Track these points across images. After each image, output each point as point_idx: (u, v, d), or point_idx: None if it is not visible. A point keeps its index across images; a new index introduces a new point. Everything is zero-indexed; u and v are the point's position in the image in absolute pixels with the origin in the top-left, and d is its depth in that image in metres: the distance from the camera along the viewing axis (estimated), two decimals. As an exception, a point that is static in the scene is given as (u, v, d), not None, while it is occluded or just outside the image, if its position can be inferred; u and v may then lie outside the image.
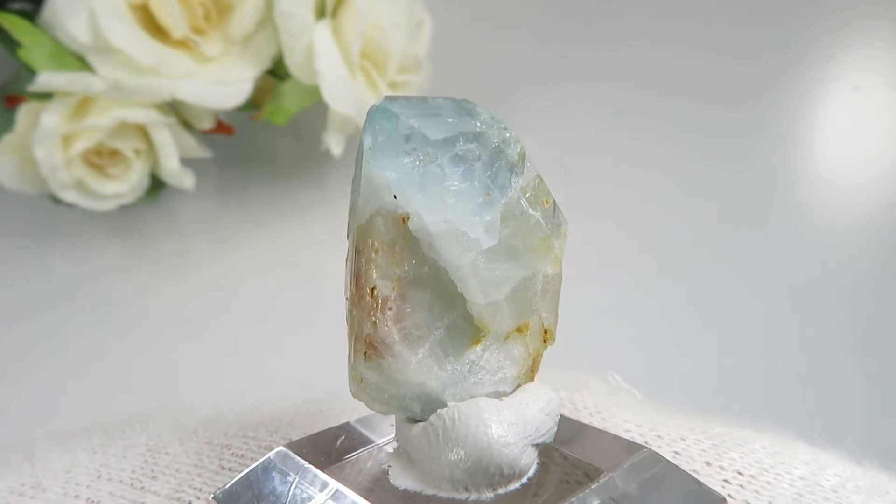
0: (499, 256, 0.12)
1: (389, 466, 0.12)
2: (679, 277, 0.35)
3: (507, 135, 0.12)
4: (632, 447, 0.12)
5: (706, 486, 0.12)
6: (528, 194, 0.12)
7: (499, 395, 0.12)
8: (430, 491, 0.11)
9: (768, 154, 0.39)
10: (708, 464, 0.13)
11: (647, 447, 0.12)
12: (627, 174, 0.38)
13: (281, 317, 0.33)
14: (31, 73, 0.27)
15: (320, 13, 0.30)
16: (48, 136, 0.28)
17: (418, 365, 0.11)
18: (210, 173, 0.36)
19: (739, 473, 0.13)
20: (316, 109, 0.32)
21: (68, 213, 0.33)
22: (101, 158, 0.30)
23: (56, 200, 0.31)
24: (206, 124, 0.32)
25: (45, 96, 0.28)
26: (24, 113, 0.29)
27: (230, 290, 0.34)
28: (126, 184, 0.31)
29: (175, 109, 0.31)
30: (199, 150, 0.32)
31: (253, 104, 0.32)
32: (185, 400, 0.31)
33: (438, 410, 0.12)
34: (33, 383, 0.31)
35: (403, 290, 0.11)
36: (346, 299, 0.12)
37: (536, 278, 0.12)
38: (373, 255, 0.11)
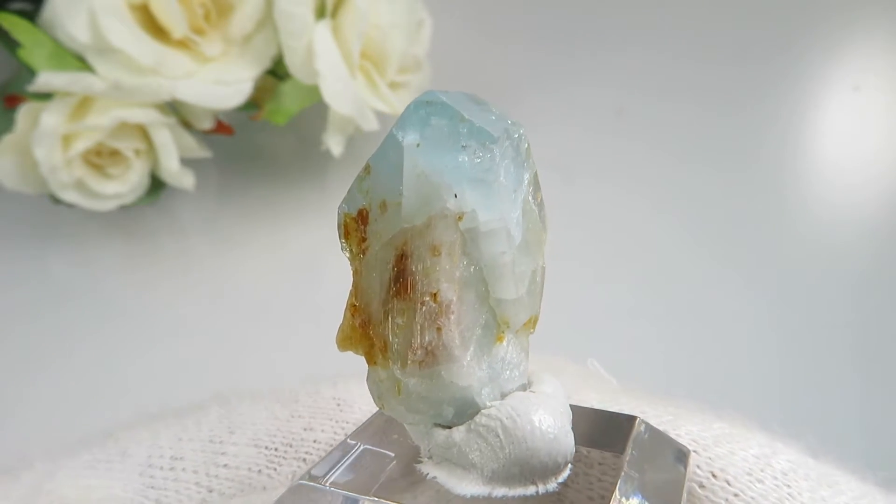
0: (521, 251, 0.12)
1: (435, 478, 0.12)
2: (679, 277, 0.35)
3: (521, 129, 0.12)
4: (629, 420, 0.13)
5: (675, 441, 0.13)
6: (531, 188, 0.12)
7: (523, 388, 0.12)
8: (499, 492, 0.11)
9: (768, 154, 0.39)
10: (665, 432, 0.14)
11: (637, 416, 0.13)
12: (627, 174, 0.38)
13: (281, 316, 0.33)
14: (31, 73, 0.27)
15: (320, 13, 0.30)
16: (48, 136, 0.28)
17: (468, 367, 0.11)
18: (210, 173, 0.36)
19: (695, 441, 0.14)
20: (316, 109, 0.32)
21: (68, 213, 0.33)
22: (101, 158, 0.30)
23: (56, 200, 0.31)
24: (206, 124, 0.32)
25: (45, 96, 0.28)
26: (24, 113, 0.29)
27: (230, 289, 0.34)
28: (126, 184, 0.31)
29: (175, 109, 0.31)
30: (199, 150, 0.32)
31: (253, 104, 0.32)
32: (185, 400, 0.31)
33: (487, 411, 0.11)
34: (33, 383, 0.31)
35: (460, 293, 0.11)
36: (355, 309, 0.12)
37: (539, 271, 0.12)
38: (435, 258, 0.11)
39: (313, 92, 0.30)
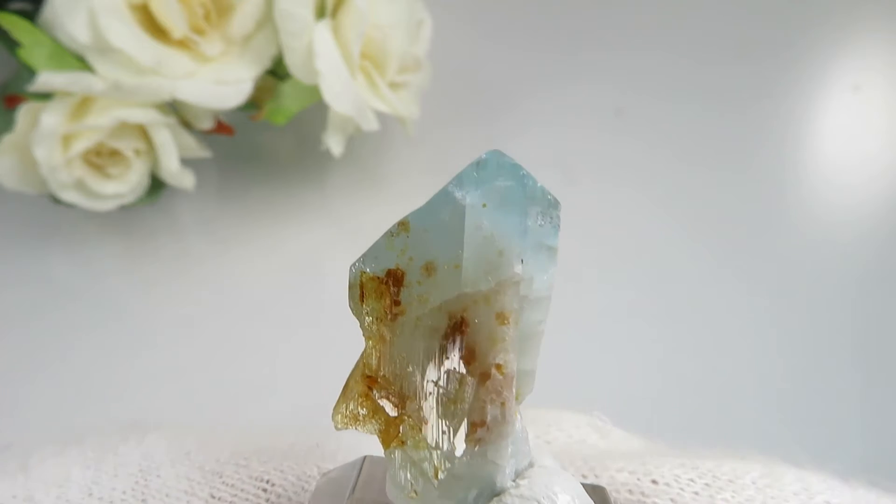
0: None
1: None
2: (679, 276, 0.35)
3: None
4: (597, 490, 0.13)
5: None
6: None
7: (531, 464, 0.12)
8: None
9: (768, 154, 0.39)
10: None
11: (605, 487, 0.13)
12: (627, 174, 0.38)
13: (281, 316, 0.33)
14: (31, 73, 0.27)
15: (320, 13, 0.30)
16: (48, 136, 0.28)
17: (510, 445, 0.11)
18: (210, 173, 0.36)
19: None
20: (316, 109, 0.32)
21: (68, 213, 0.33)
22: (101, 158, 0.30)
23: (56, 200, 0.31)
24: (206, 124, 0.32)
25: (45, 96, 0.28)
26: (23, 113, 0.29)
27: (230, 290, 0.34)
28: (126, 184, 0.31)
29: (175, 109, 0.31)
30: (199, 150, 0.32)
31: (253, 104, 0.32)
32: (185, 400, 0.31)
33: (517, 491, 0.11)
34: (33, 383, 0.31)
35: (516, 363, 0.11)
36: (373, 381, 0.11)
37: None
38: (503, 326, 0.10)
39: (313, 92, 0.30)
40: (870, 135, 0.41)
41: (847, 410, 0.33)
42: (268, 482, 0.15)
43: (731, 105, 0.40)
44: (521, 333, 0.11)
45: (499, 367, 0.10)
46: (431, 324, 0.11)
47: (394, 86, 0.33)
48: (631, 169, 0.38)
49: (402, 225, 0.11)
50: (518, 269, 0.10)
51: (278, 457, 0.15)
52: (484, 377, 0.10)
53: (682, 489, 0.14)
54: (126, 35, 0.28)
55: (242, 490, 0.15)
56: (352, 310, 0.11)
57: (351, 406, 0.11)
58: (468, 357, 0.10)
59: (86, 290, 0.34)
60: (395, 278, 0.11)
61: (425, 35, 0.34)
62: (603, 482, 0.14)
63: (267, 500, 0.15)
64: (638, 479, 0.14)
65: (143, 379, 0.32)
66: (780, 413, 0.32)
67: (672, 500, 0.14)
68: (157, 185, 0.33)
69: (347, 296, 0.11)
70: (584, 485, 0.12)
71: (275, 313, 0.33)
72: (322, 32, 0.29)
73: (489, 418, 0.10)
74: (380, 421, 0.11)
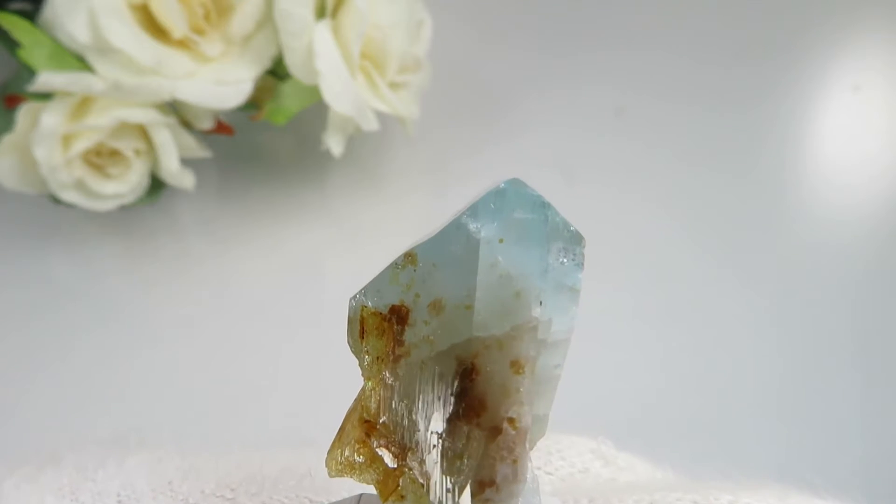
0: None
1: None
2: (679, 277, 0.35)
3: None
4: None
5: None
6: None
7: None
8: None
9: (768, 153, 0.39)
10: None
11: None
12: (627, 174, 0.38)
13: (281, 316, 0.33)
14: (30, 73, 0.27)
15: (320, 13, 0.30)
16: (48, 136, 0.28)
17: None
18: (210, 173, 0.36)
19: None
20: (316, 109, 0.32)
21: (68, 213, 0.33)
22: (101, 158, 0.30)
23: (56, 200, 0.31)
24: (206, 124, 0.32)
25: (45, 96, 0.28)
26: (24, 113, 0.29)
27: (230, 290, 0.34)
28: (126, 184, 0.31)
29: (175, 109, 0.31)
30: (199, 150, 0.32)
31: (253, 104, 0.32)
32: (185, 400, 0.31)
33: None
34: (33, 383, 0.31)
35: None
36: (371, 427, 0.10)
37: None
38: (518, 376, 0.09)
39: (313, 92, 0.30)
40: (870, 135, 0.41)
41: (848, 411, 0.33)
42: None
43: (731, 105, 0.40)
44: (536, 378, 0.10)
45: (511, 421, 0.09)
46: (438, 369, 0.10)
47: (394, 86, 0.33)
48: (631, 169, 0.38)
49: (409, 257, 0.10)
50: (536, 312, 0.09)
51: (268, 488, 0.14)
52: (495, 432, 0.09)
53: None
54: (126, 35, 0.28)
55: None
56: (350, 347, 0.10)
57: (346, 452, 0.10)
58: (478, 409, 0.09)
59: (86, 290, 0.34)
60: (398, 316, 0.10)
61: (425, 35, 0.34)
62: None
63: None
64: None
65: (143, 379, 0.32)
66: (781, 413, 0.32)
67: None
68: (157, 185, 0.33)
69: (346, 331, 0.10)
70: None
71: (275, 313, 0.33)
72: (322, 32, 0.29)
73: (499, 478, 0.09)
74: (378, 471, 0.10)
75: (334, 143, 0.32)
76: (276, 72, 0.32)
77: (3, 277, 0.33)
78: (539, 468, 0.16)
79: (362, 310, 0.10)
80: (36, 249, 0.34)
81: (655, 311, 0.34)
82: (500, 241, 0.09)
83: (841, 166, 0.40)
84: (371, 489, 0.11)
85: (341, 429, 0.10)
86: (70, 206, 0.31)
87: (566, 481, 0.16)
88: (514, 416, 0.09)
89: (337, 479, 0.14)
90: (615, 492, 0.14)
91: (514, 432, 0.09)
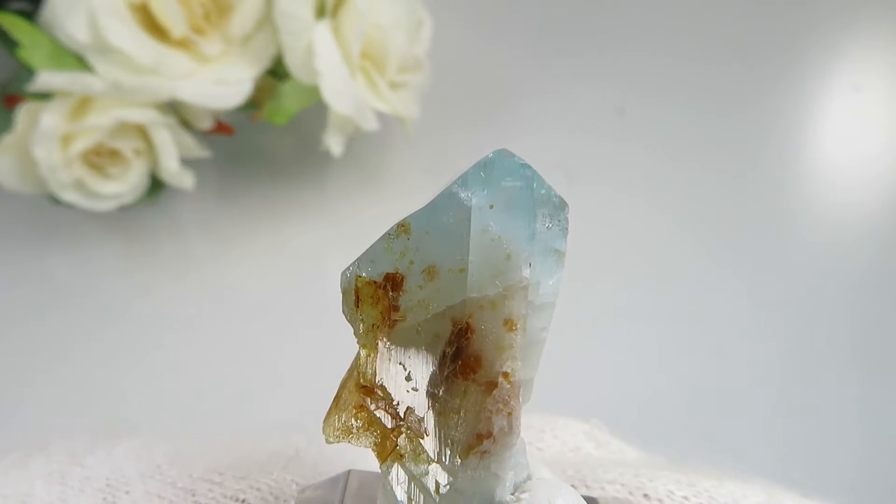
0: None
1: None
2: (679, 276, 0.35)
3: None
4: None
5: None
6: None
7: (528, 476, 0.11)
8: None
9: (769, 154, 0.39)
10: None
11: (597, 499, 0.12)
12: (628, 174, 0.38)
13: (281, 316, 0.33)
14: (30, 72, 0.27)
15: (320, 13, 0.30)
16: (47, 136, 0.28)
17: (512, 456, 0.10)
18: (210, 173, 0.36)
19: None
20: (316, 109, 0.31)
21: (68, 214, 0.33)
22: (101, 158, 0.30)
23: (55, 200, 0.31)
24: (206, 124, 0.32)
25: (45, 96, 0.28)
26: (23, 113, 0.29)
27: (230, 290, 0.34)
28: (126, 184, 0.31)
29: (175, 109, 0.31)
30: (198, 150, 0.32)
31: (253, 104, 0.32)
32: (185, 400, 0.31)
33: (525, 495, 0.10)
34: (33, 383, 0.31)
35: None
36: (369, 392, 0.10)
37: None
38: (511, 333, 0.10)
39: (313, 92, 0.30)
40: (870, 135, 0.41)
41: (846, 412, 0.33)
42: (243, 502, 0.14)
43: (731, 106, 0.40)
44: (532, 340, 0.10)
45: (506, 375, 0.10)
46: (433, 330, 0.10)
47: (394, 86, 0.33)
48: (632, 169, 0.38)
49: (402, 227, 0.10)
50: (527, 273, 0.10)
51: (255, 472, 0.15)
52: (490, 386, 0.10)
53: None
54: (126, 35, 0.28)
55: None
56: (346, 316, 0.11)
57: (344, 418, 0.11)
58: (474, 365, 0.10)
59: (85, 290, 0.34)
60: (393, 283, 0.10)
61: (425, 35, 0.34)
62: (594, 494, 0.14)
63: None
64: (630, 493, 0.14)
65: (143, 379, 0.32)
66: (779, 415, 0.32)
67: None
68: (156, 185, 0.33)
69: (341, 301, 0.11)
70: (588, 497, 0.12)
71: (275, 313, 0.33)
72: (322, 32, 0.29)
73: (496, 429, 0.10)
74: (376, 433, 0.10)
75: (334, 143, 0.32)
76: (276, 72, 0.32)
77: (3, 277, 0.33)
78: (530, 443, 0.16)
79: (356, 280, 0.10)
80: (35, 249, 0.34)
81: (655, 311, 0.34)
82: (491, 207, 0.10)
83: (841, 166, 0.40)
84: (359, 464, 0.12)
85: (337, 396, 0.11)
86: (69, 207, 0.31)
87: (556, 458, 0.16)
88: (509, 370, 0.10)
89: (324, 460, 0.14)
90: (602, 465, 0.15)
91: (508, 386, 0.10)
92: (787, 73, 0.42)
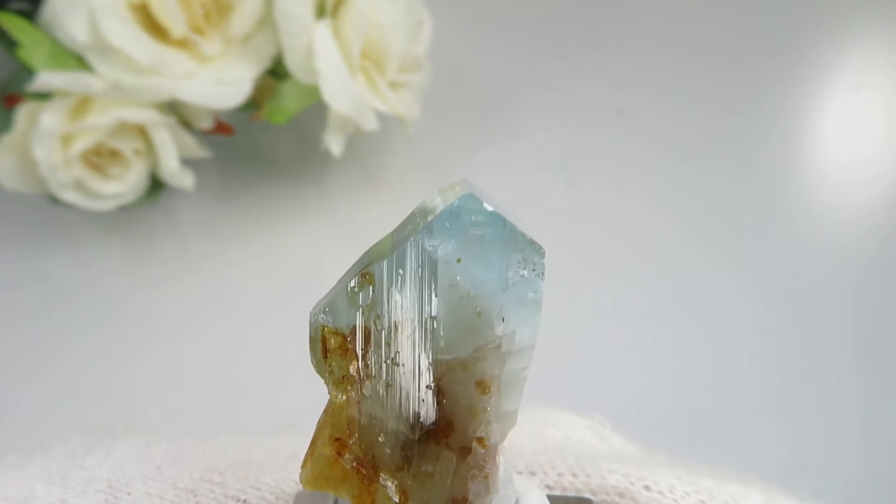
0: None
1: None
2: (679, 277, 0.35)
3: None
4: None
5: None
6: None
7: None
8: None
9: (769, 154, 0.39)
10: None
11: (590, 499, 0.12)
12: (628, 175, 0.38)
13: (281, 316, 0.33)
14: (30, 72, 0.27)
15: (320, 13, 0.30)
16: (47, 136, 0.28)
17: None
18: (210, 173, 0.36)
19: None
20: (316, 109, 0.31)
21: (68, 214, 0.33)
22: (101, 158, 0.30)
23: (55, 201, 0.31)
24: (206, 124, 0.32)
25: (45, 96, 0.28)
26: (23, 113, 0.29)
27: (230, 290, 0.34)
28: (126, 184, 0.31)
29: (175, 109, 0.31)
30: (198, 150, 0.32)
31: (253, 104, 0.32)
32: (185, 400, 0.31)
33: None
34: (32, 384, 0.31)
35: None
36: (342, 445, 0.10)
37: None
38: (483, 395, 0.09)
39: (313, 92, 0.30)
40: (870, 135, 0.41)
41: (845, 412, 0.33)
42: (244, 502, 0.14)
43: (731, 106, 0.40)
44: (506, 380, 0.10)
45: (480, 440, 0.09)
46: (406, 391, 0.10)
47: (394, 86, 0.33)
48: (631, 169, 0.38)
49: (366, 277, 0.10)
50: (499, 330, 0.09)
51: (255, 471, 0.15)
52: (464, 452, 0.09)
53: (675, 501, 0.13)
54: (126, 35, 0.28)
55: None
56: (314, 367, 0.10)
57: (319, 468, 0.10)
58: (446, 430, 0.09)
59: (85, 290, 0.34)
60: (360, 338, 0.10)
61: (425, 35, 0.34)
62: (593, 483, 0.14)
63: None
64: (630, 483, 0.14)
65: (143, 379, 0.32)
66: (778, 415, 0.32)
67: None
68: (156, 185, 0.33)
69: (308, 350, 0.10)
70: (569, 497, 0.12)
71: (275, 313, 0.33)
72: (322, 32, 0.29)
73: (471, 495, 0.09)
74: (353, 486, 0.10)
75: (334, 143, 0.32)
76: (276, 72, 0.32)
77: (3, 277, 0.33)
78: (534, 434, 0.17)
79: (323, 329, 0.10)
80: (35, 249, 0.34)
81: (654, 310, 0.34)
82: (458, 261, 0.09)
83: (841, 166, 0.40)
84: None
85: (312, 443, 0.10)
86: (69, 207, 0.31)
87: (557, 447, 0.16)
88: (483, 434, 0.09)
89: None
90: (603, 457, 0.15)
91: (483, 451, 0.09)
92: (787, 73, 0.42)
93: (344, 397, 0.10)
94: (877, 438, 0.32)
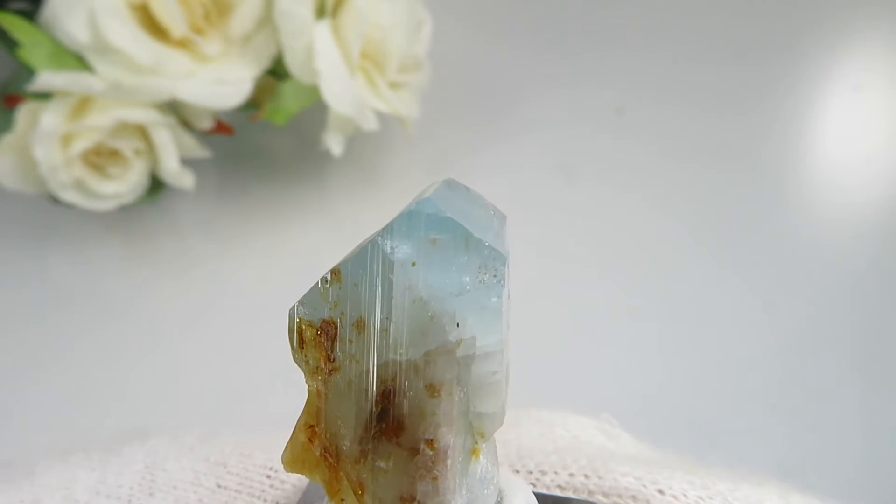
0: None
1: None
2: (679, 276, 0.35)
3: (503, 216, 0.11)
4: None
5: None
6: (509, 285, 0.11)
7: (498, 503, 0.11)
8: None
9: (769, 154, 0.39)
10: None
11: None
12: (628, 174, 0.38)
13: (281, 316, 0.33)
14: (30, 72, 0.27)
15: (320, 13, 0.30)
16: (47, 136, 0.28)
17: None
18: (210, 173, 0.36)
19: None
20: (316, 109, 0.31)
21: (68, 213, 0.33)
22: (101, 158, 0.30)
23: (55, 200, 0.31)
24: (206, 124, 0.32)
25: (45, 96, 0.28)
26: (23, 113, 0.29)
27: (230, 290, 0.34)
28: (126, 184, 0.31)
29: (175, 109, 0.31)
30: (198, 150, 0.32)
31: (253, 104, 0.32)
32: (186, 400, 0.31)
33: None
34: (32, 384, 0.31)
35: (455, 429, 0.10)
36: (313, 432, 0.10)
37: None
38: (434, 399, 0.09)
39: (313, 92, 0.30)
40: (871, 135, 0.41)
41: (847, 411, 0.33)
42: (272, 469, 0.15)
43: (731, 105, 0.40)
44: (476, 383, 0.10)
45: (429, 442, 0.10)
46: (364, 387, 0.10)
47: (394, 86, 0.33)
48: (631, 169, 0.38)
49: (335, 274, 0.10)
50: (452, 336, 0.09)
51: (279, 448, 0.15)
52: (413, 452, 0.10)
53: None
54: (126, 35, 0.28)
55: (247, 478, 0.15)
56: (292, 355, 0.11)
57: (296, 452, 0.10)
58: (397, 429, 0.10)
59: (85, 290, 0.34)
60: (327, 332, 0.10)
61: (425, 35, 0.34)
62: (606, 485, 0.14)
63: (271, 486, 0.15)
64: (643, 486, 0.14)
65: (143, 379, 0.32)
66: (779, 413, 0.32)
67: None
68: (156, 185, 0.33)
69: (287, 340, 0.10)
70: (575, 499, 0.12)
71: (275, 313, 0.33)
72: (322, 32, 0.29)
73: (419, 494, 0.10)
74: (324, 473, 0.10)
75: (334, 143, 0.32)
76: (276, 72, 0.32)
77: (3, 277, 0.33)
78: (542, 434, 0.17)
79: (300, 321, 0.10)
80: (35, 249, 0.34)
81: (655, 311, 0.34)
82: (413, 264, 0.09)
83: (841, 166, 0.40)
84: None
85: (294, 429, 0.11)
86: (69, 206, 0.31)
87: (567, 447, 0.16)
88: (432, 437, 0.10)
89: None
90: (614, 458, 0.15)
91: (431, 453, 0.10)
92: (788, 73, 0.42)
93: (315, 388, 0.10)
94: (879, 437, 0.32)
